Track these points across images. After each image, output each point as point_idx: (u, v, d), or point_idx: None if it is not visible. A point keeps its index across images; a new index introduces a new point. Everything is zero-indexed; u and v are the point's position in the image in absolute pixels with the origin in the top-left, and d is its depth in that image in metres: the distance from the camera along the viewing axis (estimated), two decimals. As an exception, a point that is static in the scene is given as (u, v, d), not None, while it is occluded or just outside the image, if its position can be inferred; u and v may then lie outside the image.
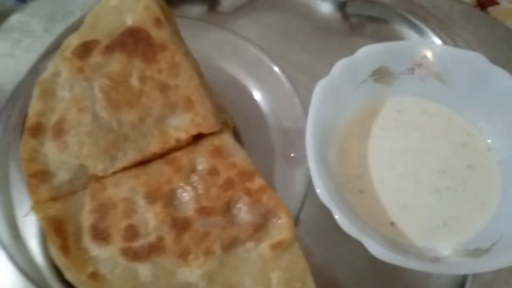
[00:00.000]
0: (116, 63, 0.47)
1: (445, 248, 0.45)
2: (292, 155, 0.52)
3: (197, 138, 0.46)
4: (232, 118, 0.51)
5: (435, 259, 0.43)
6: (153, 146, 0.45)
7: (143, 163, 0.45)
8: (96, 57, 0.48)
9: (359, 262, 0.49)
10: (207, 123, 0.45)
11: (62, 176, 0.44)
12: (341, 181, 0.48)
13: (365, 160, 0.50)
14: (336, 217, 0.42)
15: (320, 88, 0.48)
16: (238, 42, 0.57)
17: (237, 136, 0.53)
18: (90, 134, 0.44)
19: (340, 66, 0.49)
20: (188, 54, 0.51)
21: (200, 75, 0.51)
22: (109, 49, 0.48)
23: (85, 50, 0.48)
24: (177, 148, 0.45)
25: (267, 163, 0.52)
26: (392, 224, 0.47)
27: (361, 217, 0.47)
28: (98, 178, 0.44)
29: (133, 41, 0.48)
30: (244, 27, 0.61)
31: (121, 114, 0.45)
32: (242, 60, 0.57)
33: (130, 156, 0.44)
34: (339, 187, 0.48)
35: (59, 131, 0.45)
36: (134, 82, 0.47)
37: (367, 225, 0.46)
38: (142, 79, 0.47)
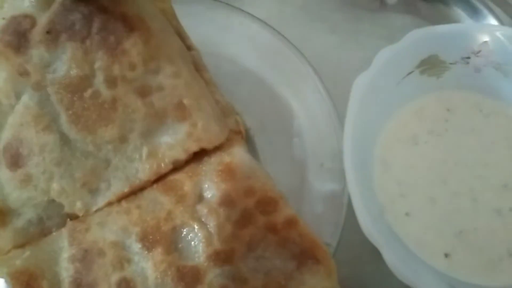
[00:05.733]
0: (68, 59, 0.35)
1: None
2: (322, 164, 0.42)
3: (200, 153, 0.36)
4: (243, 121, 0.41)
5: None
6: (144, 173, 0.35)
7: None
8: (38, 49, 0.36)
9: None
10: (209, 135, 0.36)
11: (28, 214, 0.34)
12: (383, 201, 0.39)
13: (411, 174, 0.40)
14: (386, 258, 0.33)
15: (359, 86, 0.39)
16: (249, 23, 0.46)
17: (249, 142, 0.43)
18: (60, 162, 0.34)
19: (383, 57, 0.40)
20: (168, 31, 0.39)
21: (196, 65, 0.40)
22: (52, 37, 0.36)
23: (18, 36, 0.36)
24: (175, 168, 0.35)
25: (287, 177, 0.42)
26: (447, 255, 0.38)
27: (408, 248, 0.38)
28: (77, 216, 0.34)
29: (81, 18, 0.36)
30: (255, 4, 0.50)
31: (96, 132, 0.35)
32: (254, 46, 0.47)
33: (115, 187, 0.34)
34: (382, 209, 0.39)
35: (16, 157, 0.34)
36: (101, 86, 0.35)
37: (417, 259, 0.37)
38: (111, 81, 0.35)
